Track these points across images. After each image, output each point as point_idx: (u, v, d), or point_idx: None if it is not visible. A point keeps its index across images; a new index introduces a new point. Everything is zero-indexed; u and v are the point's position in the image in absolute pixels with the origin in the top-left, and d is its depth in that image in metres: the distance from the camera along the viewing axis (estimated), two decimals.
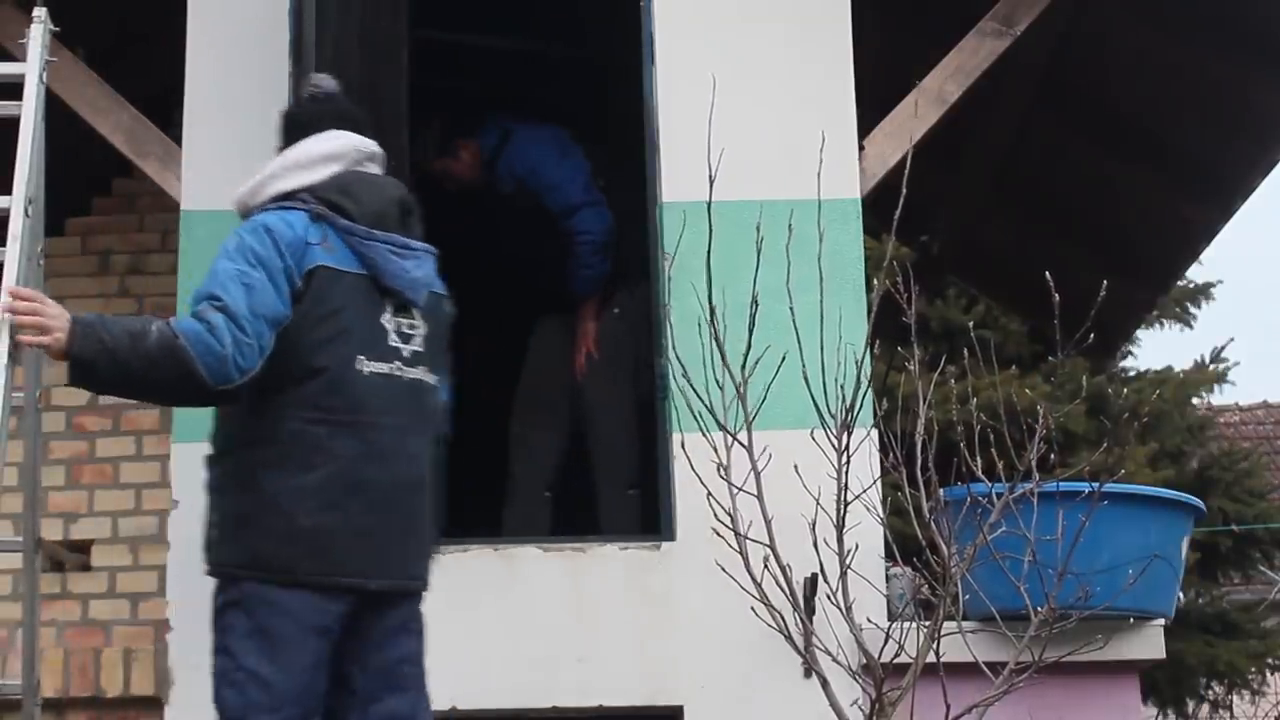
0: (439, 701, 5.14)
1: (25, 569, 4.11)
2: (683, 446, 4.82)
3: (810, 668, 4.40)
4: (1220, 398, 13.75)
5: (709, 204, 4.38)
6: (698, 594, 5.04)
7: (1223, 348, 12.73)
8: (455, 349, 3.88)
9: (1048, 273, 4.23)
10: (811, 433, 4.33)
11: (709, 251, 4.43)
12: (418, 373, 3.67)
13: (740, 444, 4.29)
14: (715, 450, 4.50)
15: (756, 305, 4.40)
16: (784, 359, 4.45)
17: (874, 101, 5.55)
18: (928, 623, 4.34)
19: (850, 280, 5.26)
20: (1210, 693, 11.90)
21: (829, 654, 4.37)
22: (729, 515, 4.24)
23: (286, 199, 3.65)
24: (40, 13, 4.19)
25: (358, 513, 3.52)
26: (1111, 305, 4.28)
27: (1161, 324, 13.23)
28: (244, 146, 5.37)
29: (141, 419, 6.04)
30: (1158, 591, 5.10)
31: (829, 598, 4.31)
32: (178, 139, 5.51)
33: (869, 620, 4.74)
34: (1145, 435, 10.88)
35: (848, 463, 4.30)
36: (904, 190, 4.44)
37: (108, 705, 5.53)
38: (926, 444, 4.27)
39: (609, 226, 5.99)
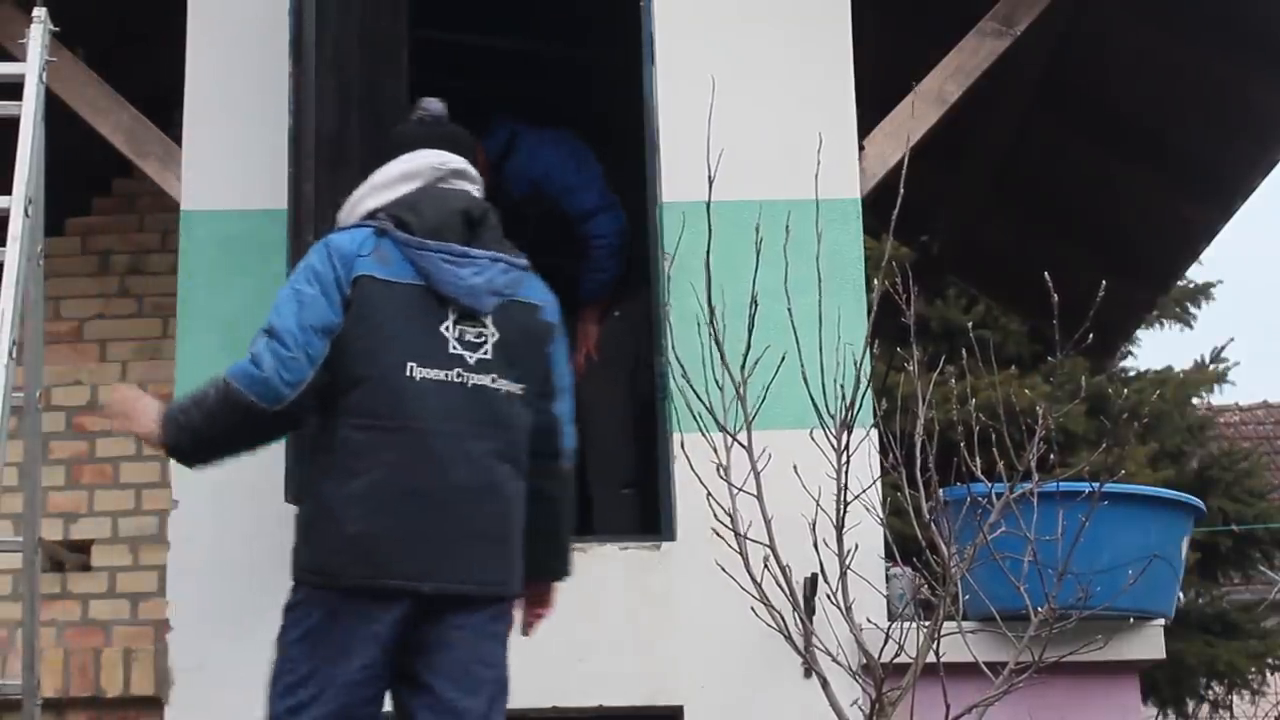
0: None
1: (25, 569, 4.11)
2: (682, 447, 4.82)
3: (810, 668, 4.41)
4: (1220, 398, 13.76)
5: (708, 204, 4.38)
6: (698, 594, 5.04)
7: (1223, 348, 12.74)
8: None
9: (1047, 273, 4.23)
10: (811, 433, 4.33)
11: (708, 251, 4.44)
12: (485, 379, 3.65)
13: (740, 444, 4.29)
14: (715, 450, 4.50)
15: (756, 305, 4.41)
16: (783, 359, 4.45)
17: (874, 101, 5.54)
18: (928, 623, 4.34)
19: (850, 280, 5.26)
20: (1210, 693, 11.90)
21: (829, 654, 4.37)
22: (729, 515, 4.25)
23: (369, 217, 3.76)
24: (40, 13, 4.19)
25: (408, 517, 3.56)
26: (1111, 305, 4.28)
27: (1161, 324, 13.23)
28: (244, 146, 5.39)
29: None
30: (1158, 591, 5.10)
31: (829, 598, 4.31)
32: (178, 139, 5.51)
33: (869, 620, 4.74)
34: (1145, 435, 10.88)
35: (847, 463, 4.30)
36: (903, 190, 4.45)
37: (108, 705, 5.53)
38: (926, 444, 4.27)
39: (623, 229, 5.99)
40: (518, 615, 3.83)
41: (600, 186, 6.07)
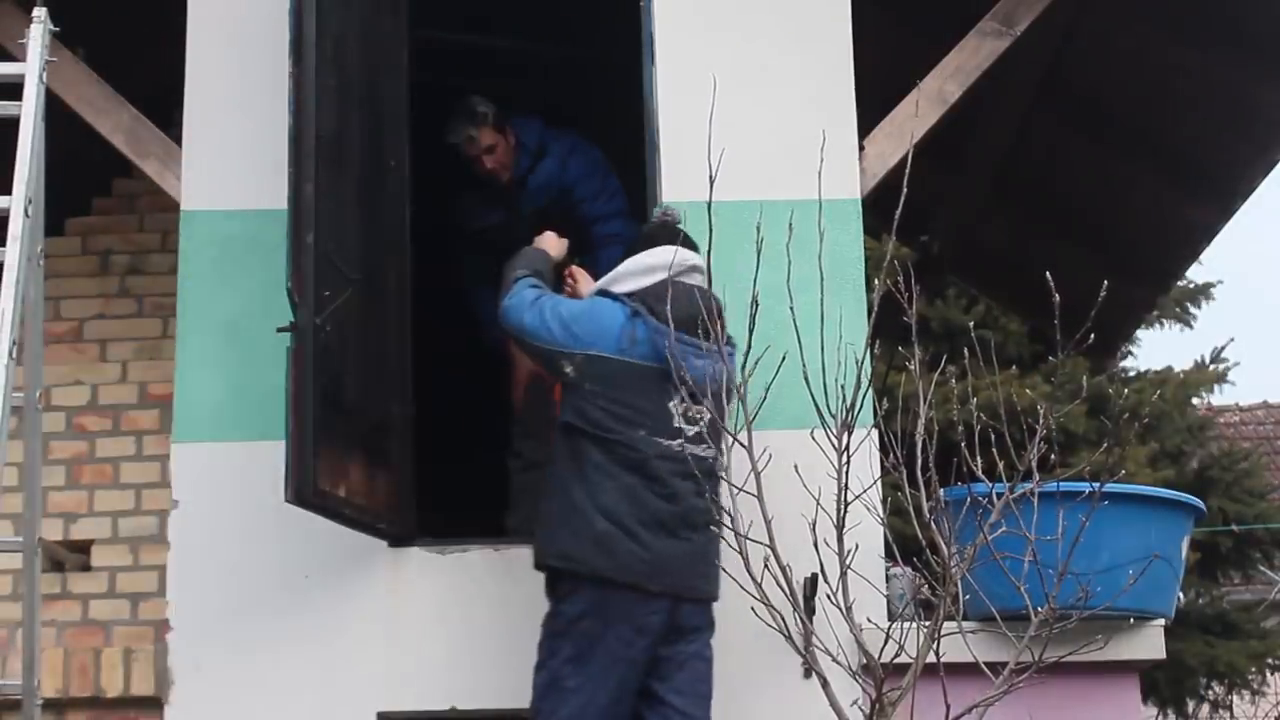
0: (438, 701, 5.17)
1: (25, 569, 4.11)
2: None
3: (810, 668, 4.40)
4: (1220, 398, 13.77)
5: (709, 204, 4.37)
6: None
7: (1223, 348, 12.75)
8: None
9: (1048, 273, 4.22)
10: (811, 433, 4.32)
11: (709, 251, 4.43)
12: (699, 450, 4.59)
13: (740, 444, 4.28)
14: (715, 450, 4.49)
15: (756, 305, 4.40)
16: (784, 359, 4.44)
17: (874, 101, 5.54)
18: (928, 623, 4.33)
19: (850, 280, 5.26)
20: (1210, 693, 11.91)
21: (829, 654, 4.36)
22: (729, 515, 4.24)
23: (629, 296, 4.72)
24: (40, 13, 4.19)
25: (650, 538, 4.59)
26: (1111, 305, 4.27)
27: (1161, 324, 13.24)
28: (244, 146, 5.39)
29: (141, 419, 6.05)
30: (1158, 592, 5.10)
31: (829, 598, 4.30)
32: (178, 139, 5.51)
33: (869, 620, 4.74)
34: (1145, 435, 10.90)
35: (848, 463, 4.29)
36: (904, 190, 4.43)
37: (108, 705, 5.53)
38: (926, 444, 4.26)
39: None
40: None
41: (620, 192, 6.30)
